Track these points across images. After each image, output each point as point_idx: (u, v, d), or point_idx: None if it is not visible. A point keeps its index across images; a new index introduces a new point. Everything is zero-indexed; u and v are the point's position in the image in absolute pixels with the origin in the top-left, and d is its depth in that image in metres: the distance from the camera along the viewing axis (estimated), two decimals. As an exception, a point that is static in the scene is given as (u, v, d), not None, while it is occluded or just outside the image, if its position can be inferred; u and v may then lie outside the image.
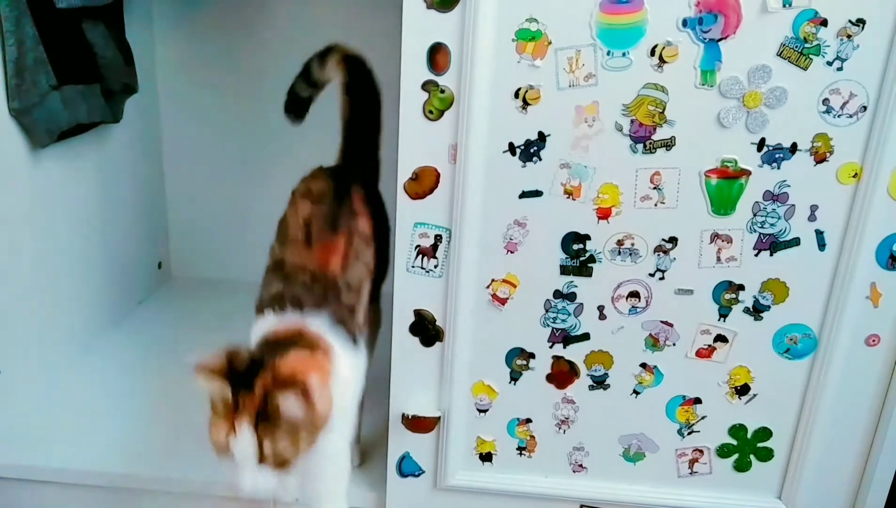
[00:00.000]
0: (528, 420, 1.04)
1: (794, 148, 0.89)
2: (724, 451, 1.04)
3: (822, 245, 0.93)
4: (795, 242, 0.93)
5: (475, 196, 0.92)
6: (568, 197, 0.92)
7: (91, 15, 1.25)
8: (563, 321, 0.98)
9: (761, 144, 0.89)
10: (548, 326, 0.99)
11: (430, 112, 0.90)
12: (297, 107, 1.21)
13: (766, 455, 1.04)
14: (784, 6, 0.83)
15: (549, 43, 0.86)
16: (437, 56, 0.88)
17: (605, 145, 0.90)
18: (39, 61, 1.12)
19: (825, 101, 0.87)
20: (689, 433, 1.03)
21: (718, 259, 0.94)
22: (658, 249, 0.94)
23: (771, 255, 0.94)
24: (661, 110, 0.88)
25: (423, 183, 0.93)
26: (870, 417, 1.01)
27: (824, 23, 0.84)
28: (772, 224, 0.92)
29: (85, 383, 1.31)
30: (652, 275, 0.95)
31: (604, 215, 0.93)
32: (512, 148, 0.91)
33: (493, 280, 0.97)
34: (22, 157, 1.16)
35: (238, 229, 1.74)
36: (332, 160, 1.75)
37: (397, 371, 1.02)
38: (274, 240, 1.01)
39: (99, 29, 1.28)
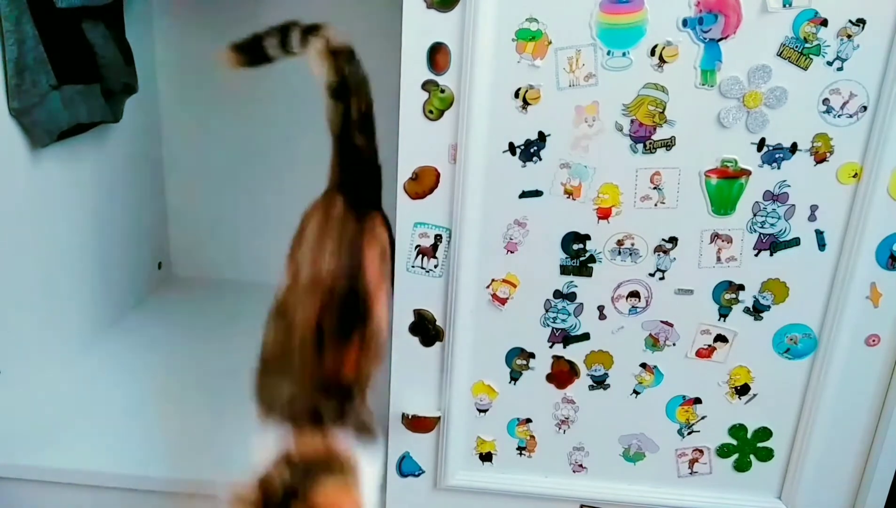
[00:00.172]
0: (528, 420, 1.04)
1: (794, 148, 0.89)
2: (724, 451, 1.04)
3: (822, 245, 0.93)
4: (795, 242, 0.93)
5: (475, 196, 0.92)
6: (568, 197, 0.92)
7: (91, 15, 1.25)
8: (563, 320, 0.98)
9: (761, 144, 0.89)
10: (548, 326, 0.99)
11: (430, 112, 0.90)
12: (254, 56, 1.07)
13: (766, 455, 1.04)
14: (784, 6, 0.83)
15: (549, 43, 0.86)
16: (437, 56, 0.88)
17: (605, 145, 0.90)
18: (39, 61, 1.12)
19: (825, 101, 0.87)
20: (689, 433, 1.03)
21: (718, 259, 0.94)
22: (658, 249, 0.94)
23: (771, 255, 0.94)
24: (661, 110, 0.88)
25: (423, 183, 0.93)
26: (870, 417, 1.01)
27: (824, 23, 0.84)
28: (772, 224, 0.92)
29: (85, 383, 1.31)
30: (652, 275, 0.95)
31: (604, 215, 0.93)
32: (512, 148, 0.91)
33: (493, 280, 0.97)
34: (22, 157, 1.16)
35: (238, 229, 1.74)
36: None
37: (397, 371, 1.02)
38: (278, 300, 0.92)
39: (99, 29, 1.28)
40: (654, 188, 0.91)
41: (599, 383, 1.01)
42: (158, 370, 1.36)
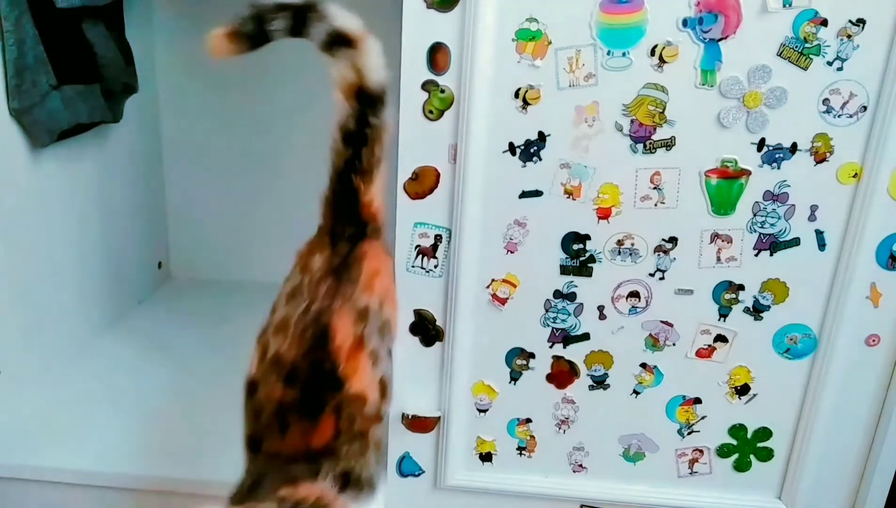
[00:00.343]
0: (528, 420, 1.04)
1: (794, 148, 0.89)
2: (724, 451, 1.04)
3: (822, 245, 0.93)
4: (795, 242, 0.93)
5: (475, 196, 0.92)
6: (568, 197, 0.92)
7: (91, 15, 1.25)
8: (563, 320, 0.98)
9: (761, 144, 0.89)
10: (548, 326, 0.99)
11: (430, 112, 0.90)
12: (256, 38, 0.86)
13: (766, 455, 1.04)
14: (784, 6, 0.83)
15: (549, 43, 0.86)
16: (437, 56, 0.88)
17: (605, 145, 0.90)
18: (39, 61, 1.12)
19: (825, 101, 0.87)
20: (689, 433, 1.03)
21: (718, 259, 0.94)
22: (658, 249, 0.94)
23: (771, 255, 0.94)
24: (661, 110, 0.88)
25: (423, 183, 0.93)
26: (870, 417, 1.01)
27: (824, 23, 0.84)
28: (772, 224, 0.92)
29: (85, 383, 1.31)
30: (652, 275, 0.95)
31: (604, 215, 0.93)
32: (512, 148, 0.91)
33: (493, 280, 0.97)
34: (22, 157, 1.16)
35: (238, 229, 1.74)
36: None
37: (397, 371, 1.01)
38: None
39: (99, 29, 1.28)
40: (654, 188, 0.91)
41: (599, 383, 1.01)
42: (158, 370, 1.36)
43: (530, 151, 0.91)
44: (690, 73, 0.86)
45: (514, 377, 1.02)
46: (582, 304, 0.97)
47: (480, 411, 1.04)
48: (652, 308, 0.97)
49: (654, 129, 0.89)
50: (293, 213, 1.72)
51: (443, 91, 0.89)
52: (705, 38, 0.85)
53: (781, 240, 0.93)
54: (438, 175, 0.92)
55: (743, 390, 1.01)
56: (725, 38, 0.85)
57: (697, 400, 1.02)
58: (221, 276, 1.78)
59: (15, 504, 1.11)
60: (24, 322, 1.20)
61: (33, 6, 1.10)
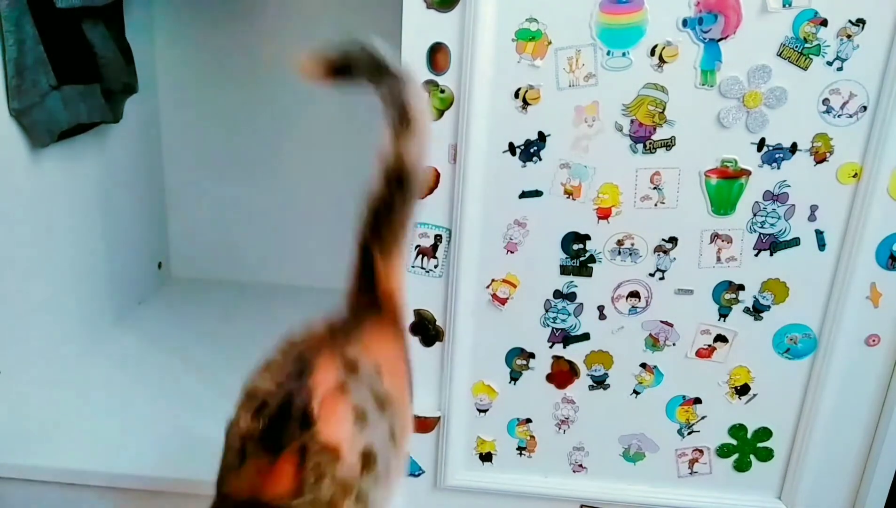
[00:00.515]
0: (528, 420, 1.04)
1: (794, 148, 0.89)
2: (724, 451, 1.04)
3: (822, 245, 0.93)
4: (795, 242, 0.93)
5: (475, 196, 0.92)
6: (568, 197, 0.92)
7: (91, 15, 1.25)
8: (563, 321, 0.98)
9: (761, 144, 0.89)
10: (548, 326, 0.99)
11: (430, 112, 0.90)
12: (340, 72, 0.81)
13: (766, 455, 1.04)
14: (784, 6, 0.83)
15: (549, 43, 0.86)
16: (437, 56, 0.88)
17: (605, 145, 0.90)
18: (39, 61, 1.12)
19: (825, 101, 0.87)
20: (689, 433, 1.03)
21: (718, 259, 0.94)
22: (658, 249, 0.94)
23: (771, 255, 0.94)
24: (661, 110, 0.88)
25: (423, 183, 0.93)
26: (870, 417, 1.01)
27: (824, 23, 0.84)
28: (772, 224, 0.92)
29: (85, 383, 1.30)
30: (652, 275, 0.95)
31: (604, 215, 0.93)
32: (512, 148, 0.91)
33: (493, 280, 0.97)
34: (22, 157, 1.16)
35: (238, 229, 1.74)
36: (333, 172, 1.74)
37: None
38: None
39: (99, 29, 1.28)
40: (654, 188, 0.91)
41: (599, 383, 1.01)
42: (158, 370, 1.36)
43: (530, 151, 0.91)
44: (690, 73, 0.86)
45: (514, 377, 1.02)
46: (582, 304, 0.97)
47: (480, 411, 1.04)
48: (652, 308, 0.97)
49: (654, 129, 0.89)
50: (293, 213, 1.72)
51: (443, 91, 0.89)
52: (705, 38, 0.85)
53: (781, 240, 0.93)
54: (438, 175, 0.92)
55: (743, 390, 1.01)
56: (725, 38, 0.85)
57: (697, 400, 1.02)
58: (221, 276, 1.77)
59: (15, 504, 1.11)
60: (23, 322, 1.20)
61: (33, 6, 1.10)
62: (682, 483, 1.06)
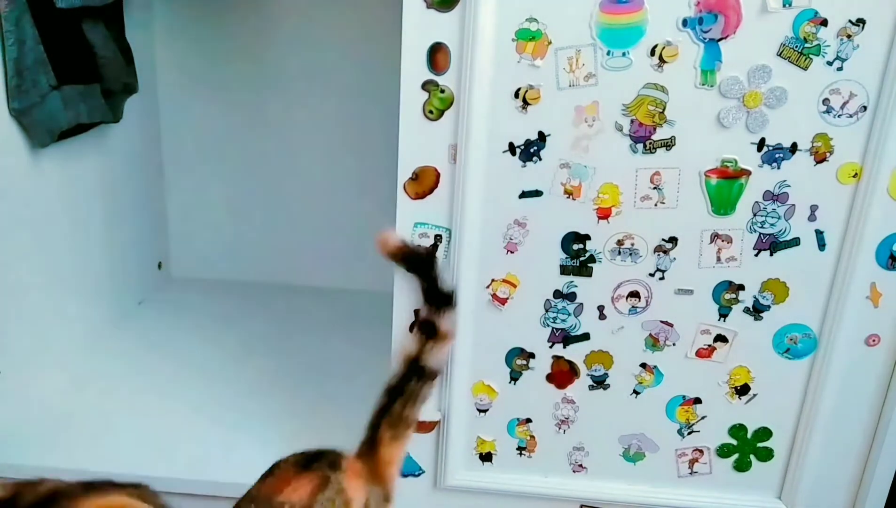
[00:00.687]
0: (528, 420, 1.04)
1: (794, 148, 0.89)
2: (724, 451, 1.04)
3: (822, 245, 0.93)
4: (795, 242, 0.93)
5: (475, 196, 0.92)
6: (568, 197, 0.92)
7: (91, 15, 1.25)
8: (563, 320, 0.98)
9: (761, 144, 0.89)
10: (548, 326, 0.99)
11: (430, 112, 0.90)
12: (405, 261, 0.93)
13: (766, 455, 1.04)
14: (784, 6, 0.83)
15: (549, 43, 0.86)
16: (437, 56, 0.88)
17: (605, 145, 0.90)
18: (39, 61, 1.12)
19: (825, 101, 0.87)
20: (689, 433, 1.03)
21: (718, 259, 0.94)
22: (658, 249, 0.94)
23: (771, 255, 0.94)
24: (661, 110, 0.88)
25: (423, 183, 0.93)
26: (870, 417, 1.01)
27: (824, 23, 0.84)
28: (772, 224, 0.92)
29: (84, 383, 1.30)
30: (652, 275, 0.95)
31: (604, 215, 0.93)
32: (512, 148, 0.91)
33: (493, 280, 0.97)
34: (22, 157, 1.16)
35: (238, 229, 1.74)
36: (334, 174, 1.75)
37: (391, 372, 1.02)
38: None
39: (99, 29, 1.28)
40: (654, 188, 0.91)
41: (599, 383, 1.01)
42: (158, 370, 1.36)
43: (530, 151, 0.91)
44: (690, 73, 0.86)
45: (514, 377, 1.02)
46: (582, 304, 0.97)
47: (480, 411, 1.04)
48: (652, 308, 0.97)
49: (654, 129, 0.89)
50: (294, 213, 1.72)
51: (443, 91, 0.89)
52: (705, 38, 0.85)
53: (781, 240, 0.93)
54: (438, 175, 0.92)
55: (743, 390, 1.01)
56: (725, 38, 0.85)
57: (697, 400, 1.02)
58: (221, 276, 1.78)
59: (15, 504, 1.11)
60: (23, 322, 1.20)
61: (33, 6, 1.10)
62: (682, 483, 1.06)
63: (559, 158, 0.91)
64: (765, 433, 1.03)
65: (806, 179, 0.90)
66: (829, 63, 0.85)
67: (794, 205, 0.91)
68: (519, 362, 1.01)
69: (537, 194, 0.92)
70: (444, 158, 0.92)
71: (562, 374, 1.01)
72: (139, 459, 1.11)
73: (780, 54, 0.85)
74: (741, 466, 1.05)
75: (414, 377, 0.86)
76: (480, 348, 1.00)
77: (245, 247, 1.76)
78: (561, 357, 1.00)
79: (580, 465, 1.06)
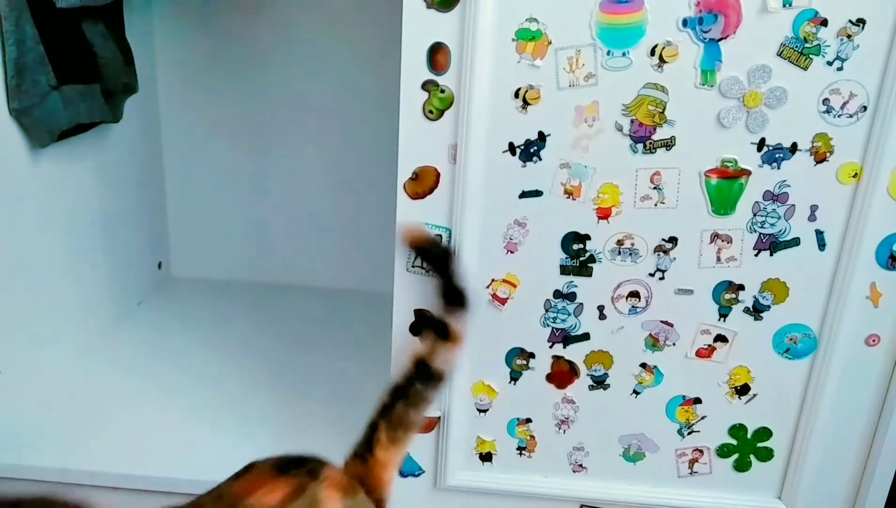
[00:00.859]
0: (528, 420, 1.04)
1: (794, 148, 0.89)
2: (724, 451, 1.04)
3: (822, 245, 0.93)
4: (795, 242, 0.93)
5: (475, 196, 0.92)
6: (568, 197, 0.92)
7: (91, 15, 1.25)
8: (563, 320, 0.98)
9: (761, 144, 0.89)
10: (548, 326, 0.99)
11: (430, 112, 0.90)
12: (420, 253, 0.93)
13: (766, 455, 1.04)
14: (784, 6, 0.83)
15: (549, 43, 0.86)
16: (437, 56, 0.88)
17: (605, 145, 0.90)
18: (39, 61, 1.12)
19: (825, 101, 0.87)
20: (689, 433, 1.03)
21: (718, 259, 0.94)
22: (658, 249, 0.94)
23: (771, 255, 0.94)
24: (661, 110, 0.88)
25: (423, 183, 0.93)
26: (870, 417, 1.01)
27: (824, 23, 0.84)
28: (772, 224, 0.92)
29: (85, 383, 1.30)
30: (652, 275, 0.95)
31: (604, 214, 0.93)
32: (512, 148, 0.91)
33: (493, 280, 0.97)
34: (22, 157, 1.16)
35: (238, 229, 1.74)
36: (333, 164, 1.75)
37: (397, 371, 1.02)
38: None
39: (99, 29, 1.28)
40: (654, 188, 0.91)
41: (599, 383, 1.01)
42: (158, 370, 1.36)
43: (530, 151, 0.91)
44: (690, 73, 0.86)
45: (514, 377, 1.02)
46: (582, 304, 0.97)
47: (480, 411, 1.04)
48: (652, 308, 0.97)
49: (654, 129, 0.89)
50: (294, 213, 1.72)
51: (443, 91, 0.89)
52: (705, 38, 0.85)
53: (781, 240, 0.93)
54: (438, 175, 0.92)
55: (743, 390, 1.01)
56: (725, 38, 0.85)
57: (697, 400, 1.02)
58: (221, 276, 1.78)
59: (15, 504, 1.11)
60: (23, 322, 1.20)
61: (33, 6, 1.10)
62: (682, 483, 1.06)
63: (559, 158, 0.91)
64: (765, 433, 1.03)
65: (806, 180, 0.90)
66: (829, 63, 0.85)
67: (794, 205, 0.91)
68: (519, 362, 1.01)
69: (537, 193, 0.92)
70: (444, 158, 0.92)
71: (562, 374, 1.01)
72: (139, 459, 1.11)
73: (780, 54, 0.85)
74: (741, 466, 1.05)
75: (420, 378, 0.83)
76: (480, 348, 1.00)
77: (245, 247, 1.76)
78: (561, 357, 1.00)
79: (580, 465, 1.06)
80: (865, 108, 0.87)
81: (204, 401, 1.26)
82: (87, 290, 1.40)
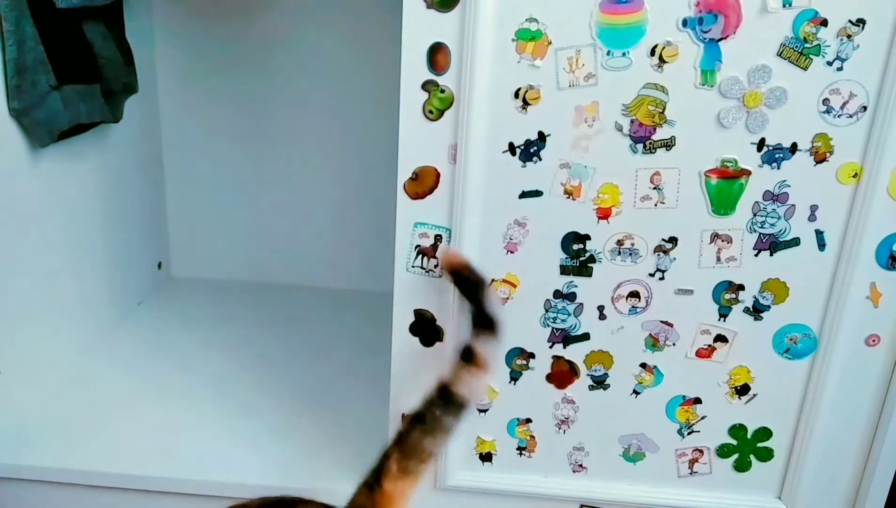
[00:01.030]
0: (528, 420, 1.04)
1: (794, 148, 0.89)
2: (724, 451, 1.04)
3: (822, 245, 0.93)
4: (795, 242, 0.93)
5: (475, 196, 0.92)
6: (568, 197, 0.92)
7: (91, 15, 1.25)
8: (563, 320, 0.98)
9: (761, 144, 0.89)
10: (548, 326, 0.99)
11: (430, 112, 0.90)
12: (458, 282, 0.94)
13: (766, 455, 1.04)
14: (784, 6, 0.83)
15: (549, 43, 0.86)
16: (437, 56, 0.88)
17: (605, 145, 0.90)
18: (39, 61, 1.12)
19: (825, 101, 0.87)
20: (689, 433, 1.03)
21: (718, 259, 0.94)
22: (658, 249, 0.94)
23: (771, 255, 0.94)
24: (661, 110, 0.88)
25: (423, 183, 0.93)
26: (870, 417, 1.01)
27: (824, 23, 0.84)
28: (772, 224, 0.92)
29: (85, 383, 1.31)
30: (652, 275, 0.95)
31: (604, 215, 0.93)
32: (512, 148, 0.91)
33: (493, 280, 0.97)
34: (22, 157, 1.16)
35: (238, 229, 1.74)
36: (331, 157, 1.76)
37: (397, 371, 1.02)
38: None
39: (99, 29, 1.28)
40: (654, 188, 0.91)
41: (599, 383, 1.01)
42: (158, 370, 1.36)
43: (530, 151, 0.91)
44: (690, 73, 0.86)
45: (514, 377, 1.02)
46: (582, 304, 0.97)
47: (480, 411, 1.04)
48: (652, 308, 0.97)
49: (654, 129, 0.89)
50: (293, 213, 1.72)
51: (443, 91, 0.89)
52: (705, 38, 0.85)
53: (781, 240, 0.93)
54: (438, 175, 0.92)
55: (743, 390, 1.01)
56: (725, 38, 0.85)
57: (697, 400, 1.02)
58: (221, 276, 1.78)
59: (15, 504, 1.11)
60: (24, 322, 1.20)
61: (33, 6, 1.10)
62: (682, 483, 1.06)
63: (559, 158, 0.91)
64: (765, 433, 1.03)
65: (806, 180, 0.90)
66: (829, 63, 0.85)
67: (794, 205, 0.91)
68: (519, 362, 1.01)
69: (537, 193, 0.92)
70: (444, 158, 0.92)
71: (562, 374, 1.01)
72: (139, 459, 1.11)
73: (780, 54, 0.85)
74: (741, 466, 1.05)
75: (441, 403, 0.80)
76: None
77: (245, 247, 1.76)
78: (561, 357, 1.00)
79: (580, 465, 1.06)
80: (865, 108, 0.87)
81: (204, 401, 1.26)
82: (87, 290, 1.40)
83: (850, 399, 0.99)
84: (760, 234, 0.93)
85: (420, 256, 0.96)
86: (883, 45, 0.84)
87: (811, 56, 0.85)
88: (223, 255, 1.77)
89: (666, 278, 0.95)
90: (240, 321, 1.58)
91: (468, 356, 0.82)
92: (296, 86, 1.61)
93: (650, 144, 0.89)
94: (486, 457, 1.06)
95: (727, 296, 0.96)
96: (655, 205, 0.92)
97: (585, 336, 0.99)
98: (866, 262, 0.92)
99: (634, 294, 0.96)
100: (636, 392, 1.02)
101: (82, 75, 1.25)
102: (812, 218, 0.92)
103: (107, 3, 1.27)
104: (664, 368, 1.00)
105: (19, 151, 1.16)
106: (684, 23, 0.84)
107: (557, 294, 0.97)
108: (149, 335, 1.50)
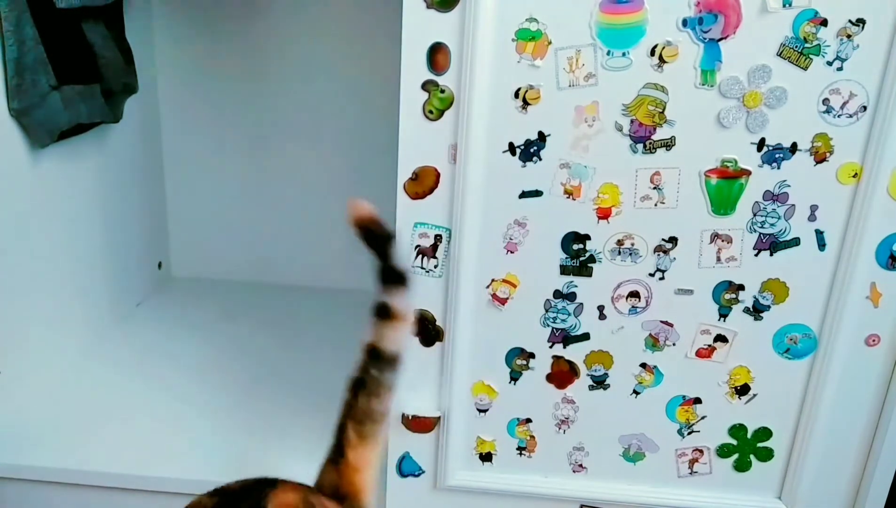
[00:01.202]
0: (528, 420, 1.04)
1: (794, 148, 0.89)
2: (724, 451, 1.04)
3: (822, 245, 0.93)
4: (795, 242, 0.93)
5: (475, 196, 0.92)
6: (568, 197, 0.92)
7: (91, 15, 1.25)
8: (563, 320, 0.98)
9: (761, 144, 0.89)
10: (548, 326, 0.99)
11: (430, 112, 0.90)
12: (365, 233, 0.87)
13: (766, 455, 1.04)
14: (784, 6, 0.83)
15: (549, 43, 0.86)
16: (437, 56, 0.88)
17: (605, 145, 0.90)
18: (39, 61, 1.12)
19: (825, 101, 0.87)
20: (689, 433, 1.03)
21: (718, 259, 0.94)
22: (658, 249, 0.94)
23: (771, 255, 0.94)
24: (661, 110, 0.88)
25: (423, 183, 0.93)
26: (870, 417, 1.01)
27: (824, 23, 0.84)
28: (772, 224, 0.92)
29: (85, 383, 1.31)
30: (652, 275, 0.95)
31: (604, 215, 0.93)
32: (512, 148, 0.91)
33: (493, 280, 0.97)
34: (22, 157, 1.16)
35: (238, 229, 1.74)
36: (333, 160, 1.75)
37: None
38: None
39: (99, 29, 1.28)
40: (654, 188, 0.91)
41: (599, 383, 1.01)
42: (158, 370, 1.36)
43: (530, 151, 0.91)
44: (690, 73, 0.86)
45: (514, 377, 1.02)
46: (582, 304, 0.97)
47: (480, 411, 1.04)
48: (652, 308, 0.97)
49: (654, 129, 0.89)
50: (293, 213, 1.72)
51: (443, 91, 0.89)
52: (705, 38, 0.85)
53: (781, 240, 0.93)
54: (438, 175, 0.92)
55: (743, 390, 1.01)
56: (725, 38, 0.85)
57: (697, 400, 1.02)
58: (221, 276, 1.78)
59: (15, 504, 1.11)
60: (23, 322, 1.20)
61: (33, 6, 1.10)
62: (682, 483, 1.06)
63: (559, 158, 0.91)
64: (765, 433, 1.03)
65: (806, 180, 0.90)
66: (829, 63, 0.85)
67: (794, 205, 0.91)
68: (519, 362, 1.01)
69: (537, 193, 0.92)
70: (444, 158, 0.92)
71: (562, 374, 1.01)
72: (139, 459, 1.11)
73: (780, 54, 0.85)
74: (741, 466, 1.05)
75: (374, 364, 0.81)
76: (480, 348, 1.00)
77: (245, 247, 1.76)
78: (561, 357, 1.00)
79: (580, 465, 1.06)
80: (865, 108, 0.87)
81: (204, 401, 1.26)
82: (87, 290, 1.40)
83: (850, 399, 0.99)
84: (760, 234, 0.93)
85: (420, 256, 0.96)
86: (883, 46, 0.84)
87: (811, 56, 0.85)
88: (223, 255, 1.77)
89: (666, 278, 0.95)
90: (240, 321, 1.58)
91: (384, 313, 0.82)
92: (296, 86, 1.61)
93: (650, 144, 0.89)
94: (486, 457, 1.06)
95: (727, 296, 0.96)
96: (655, 205, 0.92)
97: (585, 336, 0.99)
98: (866, 262, 0.92)
99: (634, 294, 0.96)
100: (636, 392, 1.02)
101: (82, 75, 1.25)
102: (812, 218, 0.92)
103: (107, 3, 1.27)
104: (664, 368, 1.00)
105: (19, 151, 1.16)
106: (684, 23, 0.84)
107: (557, 294, 0.97)
108: (149, 334, 1.50)
